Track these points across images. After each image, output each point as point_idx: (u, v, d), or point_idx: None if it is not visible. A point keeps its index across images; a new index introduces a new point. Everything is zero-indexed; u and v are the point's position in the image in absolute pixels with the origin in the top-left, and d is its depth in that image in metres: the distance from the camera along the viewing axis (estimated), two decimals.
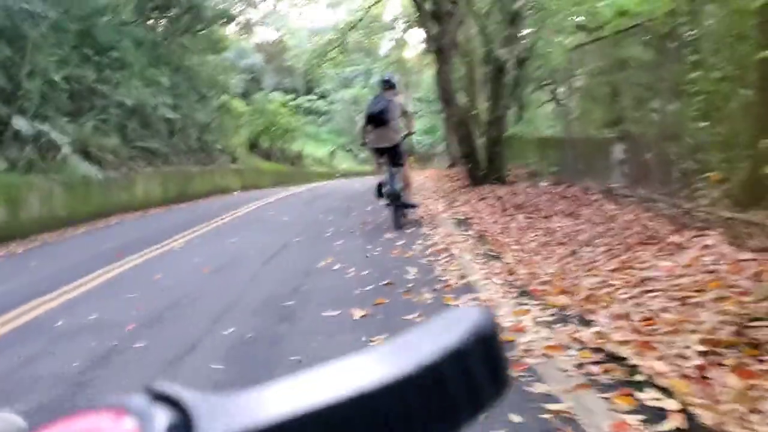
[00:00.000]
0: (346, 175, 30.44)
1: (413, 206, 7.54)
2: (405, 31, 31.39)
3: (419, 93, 39.83)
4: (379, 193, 7.24)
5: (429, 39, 21.65)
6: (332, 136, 36.08)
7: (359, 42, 34.19)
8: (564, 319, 3.59)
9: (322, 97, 35.15)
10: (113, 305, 4.77)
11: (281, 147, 27.48)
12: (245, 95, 30.17)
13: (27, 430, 0.30)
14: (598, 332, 3.34)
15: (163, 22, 20.34)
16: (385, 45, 36.87)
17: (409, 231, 6.86)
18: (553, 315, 3.68)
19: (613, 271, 4.76)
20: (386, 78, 7.41)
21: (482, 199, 8.94)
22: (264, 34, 39.86)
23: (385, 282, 4.61)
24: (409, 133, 7.49)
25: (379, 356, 0.28)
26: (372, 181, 17.24)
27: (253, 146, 26.16)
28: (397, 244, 6.12)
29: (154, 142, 16.58)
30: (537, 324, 3.52)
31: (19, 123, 11.29)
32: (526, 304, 3.88)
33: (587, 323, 3.54)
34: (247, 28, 39.86)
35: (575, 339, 3.26)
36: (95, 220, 12.24)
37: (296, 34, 36.06)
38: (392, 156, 7.14)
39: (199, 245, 7.49)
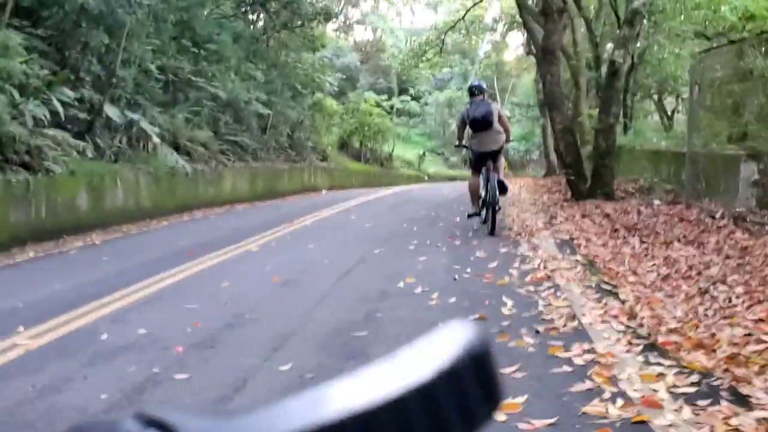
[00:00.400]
0: (434, 178, 29.72)
1: (505, 189, 7.39)
2: (505, 33, 30.37)
3: (516, 97, 38.59)
4: (476, 214, 7.47)
5: (531, 41, 20.60)
6: (423, 138, 35.44)
7: (457, 44, 33.40)
8: (710, 392, 2.74)
9: (416, 98, 34.55)
10: (169, 317, 4.26)
11: (371, 147, 27.08)
12: (339, 94, 30.01)
13: None
14: (762, 419, 2.49)
15: (262, 16, 20.30)
16: (483, 47, 35.93)
17: (503, 250, 6.07)
18: (694, 383, 2.82)
19: (760, 321, 3.83)
20: (476, 84, 7.47)
21: (587, 216, 8.00)
22: (361, 34, 39.80)
23: (476, 316, 3.86)
24: (508, 140, 7.50)
25: (372, 376, 0.28)
26: (462, 186, 16.40)
27: (343, 146, 25.91)
28: (490, 266, 5.34)
29: (245, 137, 16.44)
30: (675, 396, 2.69)
31: (111, 111, 11.25)
32: (656, 364, 3.04)
33: (743, 400, 2.68)
34: (346, 27, 39.88)
35: (733, 428, 2.42)
36: (180, 214, 12.07)
37: (394, 33, 35.67)
38: (493, 160, 7.18)
39: (276, 250, 6.97)
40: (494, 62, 34.40)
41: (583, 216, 8.00)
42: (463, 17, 26.47)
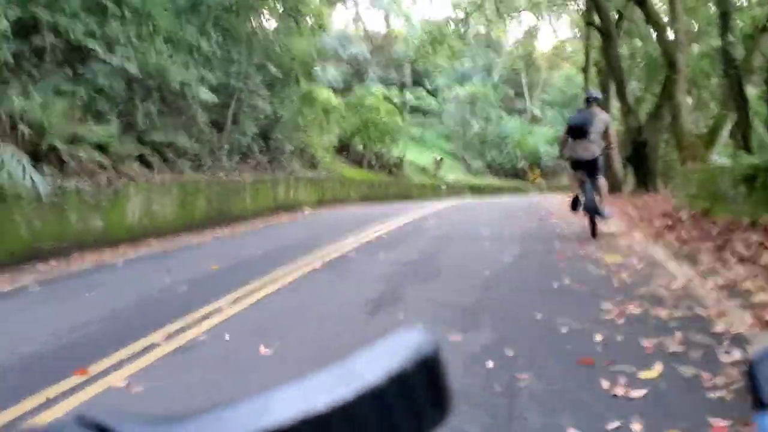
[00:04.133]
0: (453, 188, 23.65)
1: (605, 216, 6.72)
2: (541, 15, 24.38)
3: (548, 95, 32.35)
4: (574, 207, 7.01)
5: (597, 7, 14.55)
6: (440, 140, 29.28)
7: (480, 35, 27.49)
8: None
9: (432, 93, 28.44)
10: None
11: (377, 151, 21.11)
12: (345, 89, 24.10)
13: None
14: None
15: None
16: (511, 36, 29.89)
17: None
18: None
19: None
20: (590, 94, 7.16)
21: None
22: (372, 22, 34.02)
23: None
24: (609, 148, 6.93)
25: (322, 380, 0.27)
26: (510, 208, 10.50)
27: (343, 149, 19.97)
28: None
29: (181, 135, 10.59)
30: None
31: None
32: None
33: None
34: (356, 16, 34.07)
35: None
36: (11, 267, 6.29)
37: (408, 20, 29.69)
38: (590, 168, 6.65)
39: None
40: (524, 54, 28.22)
41: None
42: None
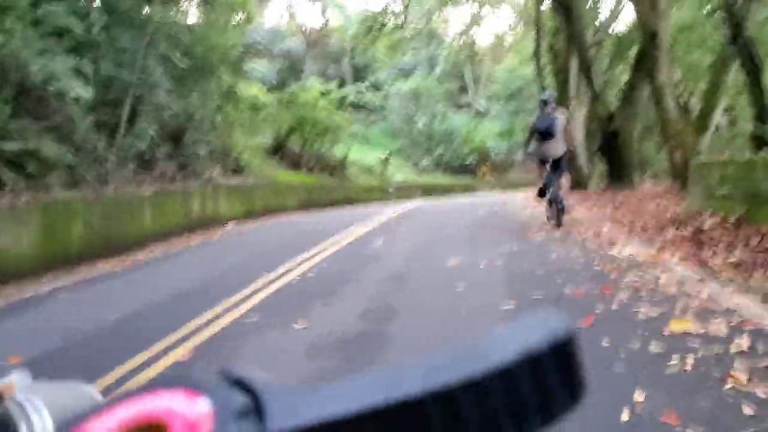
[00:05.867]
0: (401, 190, 21.41)
1: (565, 207, 7.18)
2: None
3: (491, 89, 30.42)
4: (542, 194, 7.38)
5: None
6: (385, 138, 26.98)
7: (419, 29, 25.31)
8: None
9: (375, 88, 26.07)
10: None
11: (317, 151, 18.68)
12: (280, 85, 21.55)
13: (101, 403, 0.26)
14: None
15: None
16: (451, 29, 27.86)
17: None
18: None
19: None
20: (545, 97, 7.44)
21: None
22: (306, 17, 31.49)
23: None
24: (570, 149, 7.52)
25: (452, 357, 0.26)
26: (473, 214, 8.51)
27: (277, 150, 17.46)
28: None
29: (49, 142, 7.94)
30: None
31: None
32: None
33: None
34: (289, 8, 31.52)
35: None
36: None
37: (343, 11, 27.28)
38: (555, 166, 7.14)
39: None
40: (465, 45, 26.16)
41: None
42: None
